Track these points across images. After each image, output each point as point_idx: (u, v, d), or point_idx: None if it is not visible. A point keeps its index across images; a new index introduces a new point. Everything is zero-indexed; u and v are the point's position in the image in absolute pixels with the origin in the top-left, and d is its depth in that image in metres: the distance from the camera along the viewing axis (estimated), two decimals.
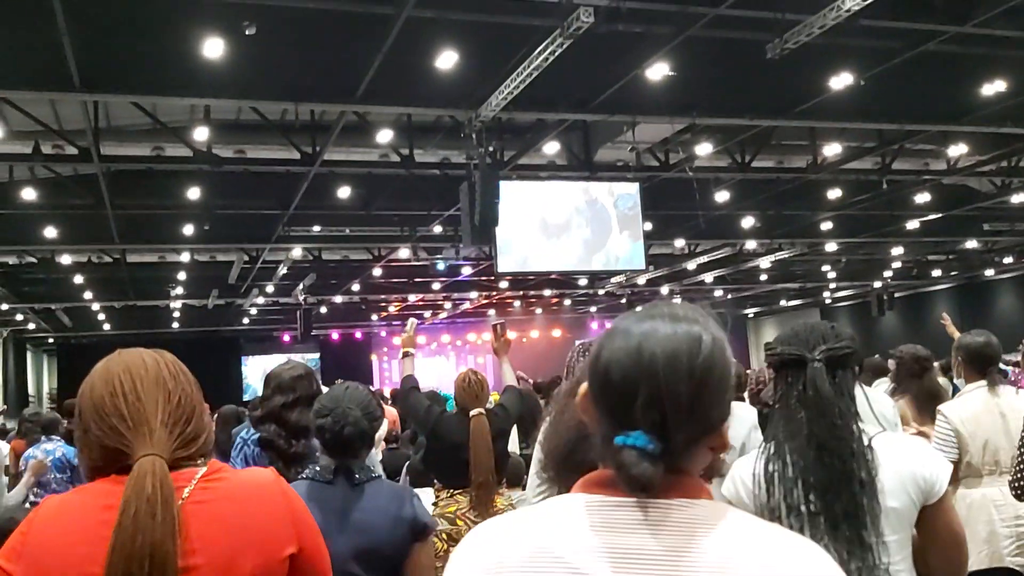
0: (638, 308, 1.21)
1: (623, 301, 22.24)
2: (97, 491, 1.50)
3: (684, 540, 1.06)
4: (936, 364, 5.76)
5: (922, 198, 13.90)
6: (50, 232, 12.27)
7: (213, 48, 6.84)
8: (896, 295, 22.52)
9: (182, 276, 17.26)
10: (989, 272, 21.78)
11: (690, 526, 1.08)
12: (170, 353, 1.67)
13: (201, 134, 9.04)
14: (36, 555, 1.43)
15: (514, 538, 1.13)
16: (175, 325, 22.91)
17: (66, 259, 14.89)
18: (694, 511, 1.09)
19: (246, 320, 23.41)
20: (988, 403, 3.94)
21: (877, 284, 22.02)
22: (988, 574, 3.36)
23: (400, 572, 2.47)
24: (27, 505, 5.37)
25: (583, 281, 19.65)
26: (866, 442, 2.06)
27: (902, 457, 2.08)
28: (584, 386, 1.18)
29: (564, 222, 10.67)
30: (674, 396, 1.08)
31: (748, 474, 2.12)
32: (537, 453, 2.31)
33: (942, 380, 6.35)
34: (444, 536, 4.08)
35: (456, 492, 4.32)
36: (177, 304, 20.39)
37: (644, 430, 1.07)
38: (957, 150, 11.70)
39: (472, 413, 4.35)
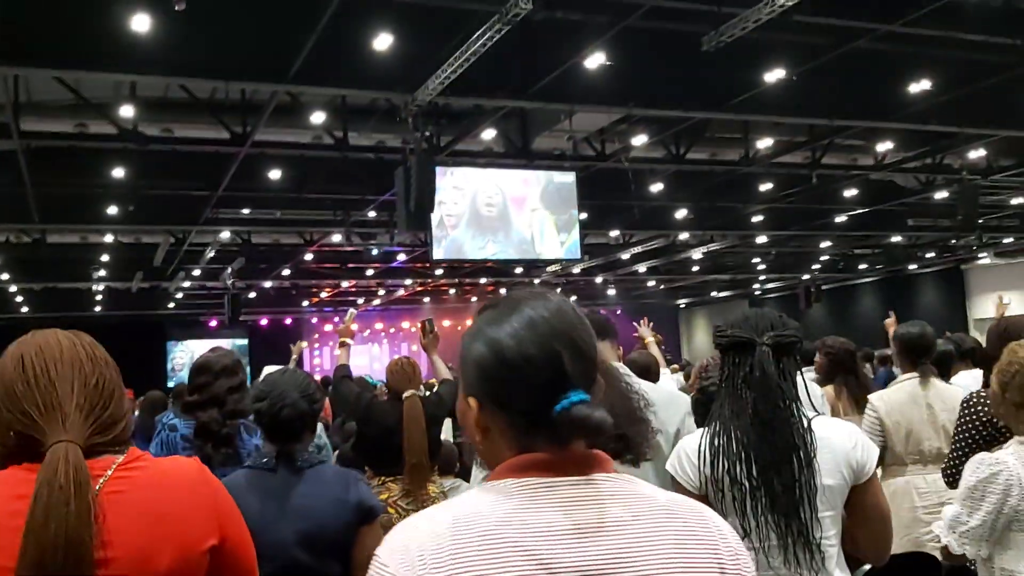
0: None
1: (558, 290, 22.27)
2: (8, 479, 1.42)
3: (631, 510, 1.10)
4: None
5: (850, 193, 14.25)
6: None
7: (141, 22, 6.61)
8: (824, 287, 23.08)
9: (105, 258, 16.75)
10: (912, 266, 22.36)
11: (631, 497, 1.11)
12: (88, 335, 1.60)
13: (127, 111, 8.76)
14: None
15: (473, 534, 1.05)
16: (97, 308, 22.24)
17: None
18: (617, 483, 1.12)
19: (172, 304, 22.85)
20: (915, 394, 4.03)
21: (805, 276, 22.51)
22: (907, 558, 3.45)
23: (349, 558, 2.42)
24: None
25: (519, 269, 19.67)
26: (806, 424, 2.17)
27: (837, 439, 2.20)
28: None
29: (499, 210, 10.65)
30: (588, 342, 1.15)
31: (693, 449, 2.24)
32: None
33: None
34: None
35: (388, 480, 4.26)
36: (100, 287, 19.77)
37: (574, 385, 1.10)
38: (884, 146, 12.00)
39: (405, 395, 4.31)
